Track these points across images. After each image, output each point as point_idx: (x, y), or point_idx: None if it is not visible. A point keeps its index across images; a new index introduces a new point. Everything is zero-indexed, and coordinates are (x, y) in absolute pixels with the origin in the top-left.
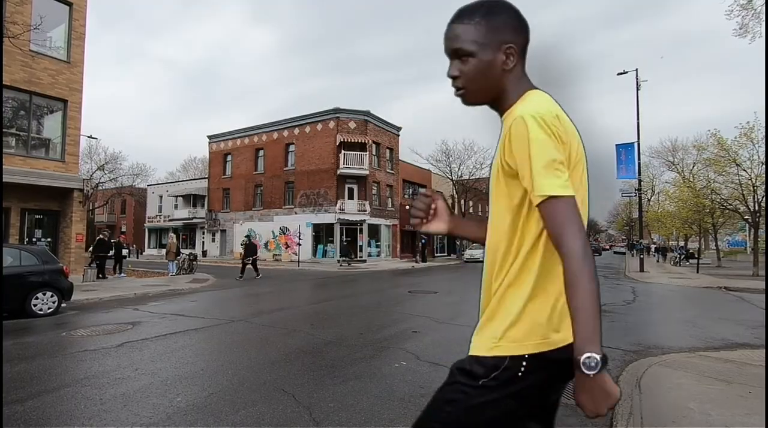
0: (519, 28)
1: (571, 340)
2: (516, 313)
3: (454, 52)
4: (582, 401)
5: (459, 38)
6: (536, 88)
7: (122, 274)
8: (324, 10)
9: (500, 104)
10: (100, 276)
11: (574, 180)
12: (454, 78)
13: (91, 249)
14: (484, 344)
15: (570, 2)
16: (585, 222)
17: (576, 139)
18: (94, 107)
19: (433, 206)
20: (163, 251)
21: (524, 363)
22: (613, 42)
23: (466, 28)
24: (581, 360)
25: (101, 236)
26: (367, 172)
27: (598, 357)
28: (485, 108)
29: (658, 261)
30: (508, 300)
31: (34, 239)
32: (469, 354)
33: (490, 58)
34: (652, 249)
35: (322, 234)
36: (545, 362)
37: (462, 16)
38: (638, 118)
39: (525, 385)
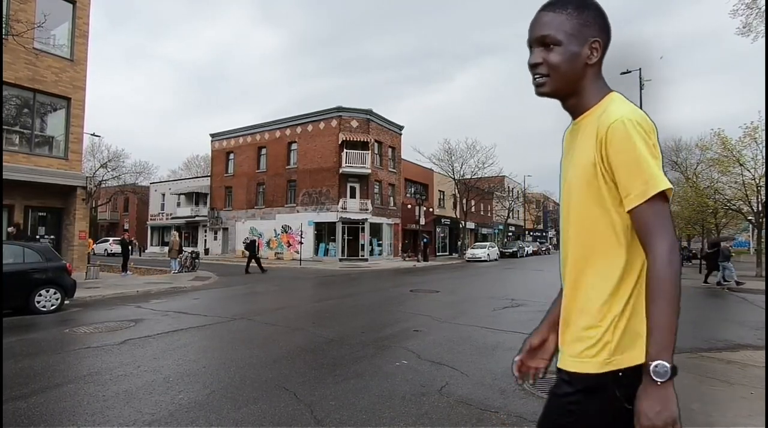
0: (605, 27)
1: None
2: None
3: (539, 39)
4: (643, 408)
5: (548, 26)
6: (614, 91)
7: (128, 273)
8: (329, 10)
9: (576, 102)
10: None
11: None
12: (536, 65)
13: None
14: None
15: None
16: None
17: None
18: (97, 106)
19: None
20: (166, 249)
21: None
22: (615, 42)
23: (556, 16)
24: (651, 367)
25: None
26: (369, 171)
27: (668, 365)
28: (485, 108)
29: None
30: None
31: (37, 236)
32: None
33: (577, 50)
34: None
35: (324, 232)
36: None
37: (554, 5)
38: None
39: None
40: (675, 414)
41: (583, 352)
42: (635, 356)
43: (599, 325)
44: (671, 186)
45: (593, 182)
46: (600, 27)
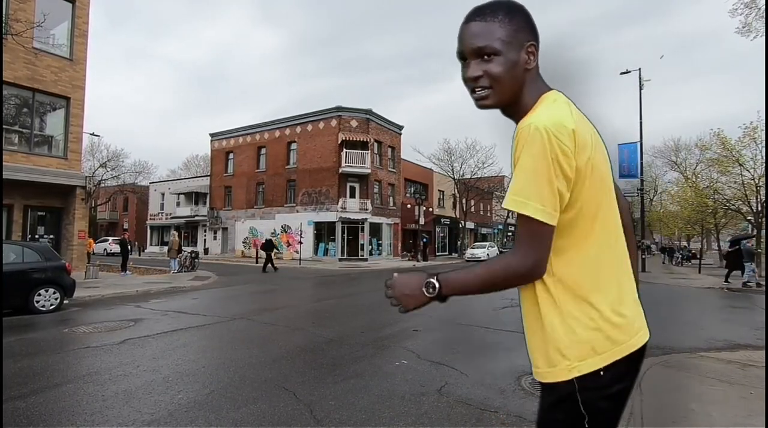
0: (534, 28)
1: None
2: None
3: (476, 51)
4: (404, 278)
5: (482, 36)
6: (551, 89)
7: (127, 273)
8: (329, 10)
9: (515, 107)
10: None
11: (589, 189)
12: (476, 78)
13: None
14: None
15: (574, 4)
16: (623, 228)
17: (589, 147)
18: (97, 106)
19: None
20: (165, 248)
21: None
22: (617, 42)
23: (488, 25)
24: (432, 280)
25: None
26: (369, 171)
27: (437, 293)
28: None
29: (663, 262)
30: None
31: (36, 236)
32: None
33: (516, 57)
34: (654, 249)
35: (323, 232)
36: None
37: (483, 13)
38: (641, 118)
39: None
40: (408, 307)
41: (545, 363)
42: (598, 361)
43: (543, 334)
44: (537, 215)
45: None
46: (531, 29)
